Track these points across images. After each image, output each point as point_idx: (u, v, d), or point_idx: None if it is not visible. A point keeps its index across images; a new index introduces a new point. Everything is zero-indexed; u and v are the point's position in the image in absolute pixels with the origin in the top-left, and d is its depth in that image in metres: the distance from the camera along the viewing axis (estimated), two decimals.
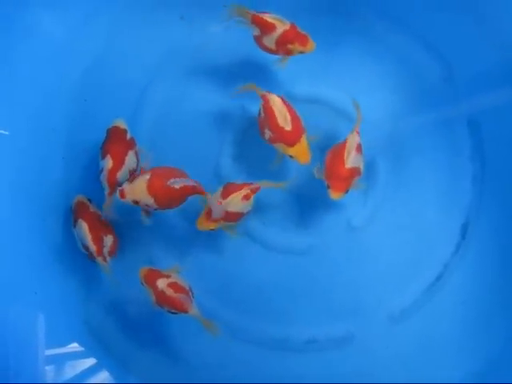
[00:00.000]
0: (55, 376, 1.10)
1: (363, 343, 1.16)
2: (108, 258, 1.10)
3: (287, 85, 1.23)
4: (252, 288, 1.17)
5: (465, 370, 1.13)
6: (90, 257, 1.09)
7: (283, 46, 1.12)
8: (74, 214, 1.13)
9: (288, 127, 1.07)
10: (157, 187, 1.04)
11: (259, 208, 1.18)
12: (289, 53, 1.13)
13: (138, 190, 1.04)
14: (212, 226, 1.08)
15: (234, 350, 1.15)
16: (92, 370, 1.12)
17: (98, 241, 1.09)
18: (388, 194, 1.20)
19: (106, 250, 1.10)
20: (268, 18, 1.10)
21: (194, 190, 1.07)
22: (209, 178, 1.19)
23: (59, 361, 1.11)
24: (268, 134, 1.10)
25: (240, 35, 1.22)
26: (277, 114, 1.08)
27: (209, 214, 1.08)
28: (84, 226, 1.09)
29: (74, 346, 1.13)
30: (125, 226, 1.16)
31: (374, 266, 1.18)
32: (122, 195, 1.04)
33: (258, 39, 1.13)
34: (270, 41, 1.12)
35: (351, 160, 1.06)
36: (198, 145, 1.21)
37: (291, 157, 1.09)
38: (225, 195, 1.06)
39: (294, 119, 1.09)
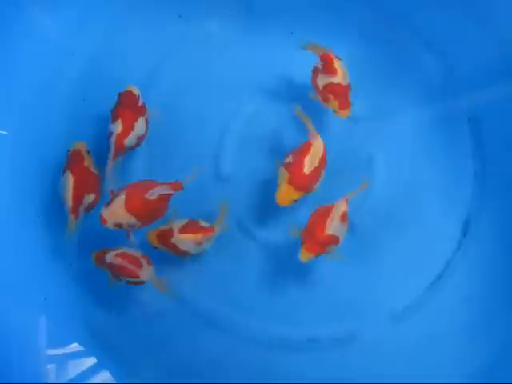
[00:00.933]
0: (57, 376, 1.10)
1: (365, 342, 1.15)
2: (81, 214, 1.10)
3: (285, 82, 1.22)
4: (252, 286, 1.16)
5: (468, 367, 1.12)
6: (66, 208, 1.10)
7: (326, 93, 1.11)
8: (66, 161, 1.12)
9: (306, 171, 1.05)
10: (135, 204, 1.01)
11: (259, 206, 1.18)
12: (325, 101, 1.12)
13: (117, 212, 1.01)
14: (157, 245, 1.09)
15: (234, 348, 1.15)
16: (93, 370, 1.12)
17: (78, 198, 1.09)
18: (387, 191, 1.19)
19: (82, 208, 1.10)
20: (336, 63, 1.09)
21: (173, 190, 1.04)
22: (209, 178, 1.19)
23: (61, 361, 1.11)
24: (288, 159, 1.07)
25: (238, 32, 1.22)
26: (310, 154, 1.05)
27: (161, 235, 1.08)
28: (69, 180, 1.09)
29: (76, 346, 1.13)
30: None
31: (375, 264, 1.17)
32: (103, 221, 1.02)
33: (315, 71, 1.13)
34: (322, 80, 1.11)
35: (333, 228, 1.03)
36: (197, 144, 1.21)
37: (277, 187, 1.06)
38: (182, 231, 1.06)
39: (316, 173, 1.06)
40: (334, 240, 1.05)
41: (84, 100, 1.22)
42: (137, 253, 1.06)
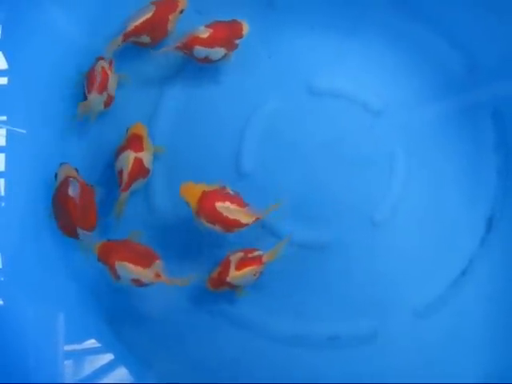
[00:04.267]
0: (74, 372, 1.09)
1: (387, 339, 1.13)
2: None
3: (306, 78, 1.22)
4: (273, 283, 1.14)
5: (492, 365, 1.10)
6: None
7: None
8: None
9: (217, 207, 1.05)
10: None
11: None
12: None
13: None
14: None
15: (254, 346, 1.13)
16: (110, 367, 1.11)
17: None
18: (410, 187, 1.18)
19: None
20: None
21: None
22: (229, 174, 1.18)
23: (78, 357, 1.10)
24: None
25: (258, 27, 1.21)
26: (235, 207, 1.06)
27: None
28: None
29: (93, 343, 1.12)
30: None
31: (398, 260, 1.15)
32: None
33: None
34: None
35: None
36: (218, 141, 1.19)
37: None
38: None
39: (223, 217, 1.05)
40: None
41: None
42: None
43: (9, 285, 1.10)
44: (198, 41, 1.13)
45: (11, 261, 1.11)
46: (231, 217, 1.05)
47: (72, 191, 1.07)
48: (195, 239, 1.14)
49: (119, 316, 1.13)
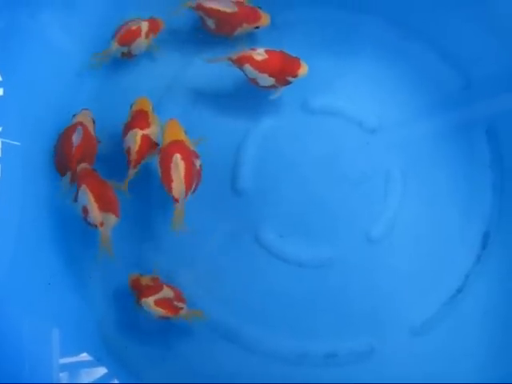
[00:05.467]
0: None
1: (383, 356, 1.12)
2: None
3: (302, 96, 1.23)
4: (269, 301, 1.14)
5: (489, 381, 1.09)
6: None
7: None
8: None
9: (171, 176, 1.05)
10: None
11: (276, 220, 1.17)
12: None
13: None
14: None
15: (250, 364, 1.12)
16: (104, 380, 1.10)
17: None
18: (406, 204, 1.18)
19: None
20: None
21: None
22: (225, 191, 1.18)
23: (72, 370, 1.09)
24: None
25: (257, 45, 1.23)
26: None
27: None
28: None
29: (87, 356, 1.10)
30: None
31: (394, 277, 1.15)
32: None
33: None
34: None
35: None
36: (214, 157, 1.18)
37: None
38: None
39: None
40: None
41: (100, 112, 1.22)
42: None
43: (4, 298, 1.09)
44: (249, 60, 1.14)
45: (7, 274, 1.10)
46: (172, 173, 1.04)
47: (75, 137, 1.11)
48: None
49: (113, 329, 1.13)
